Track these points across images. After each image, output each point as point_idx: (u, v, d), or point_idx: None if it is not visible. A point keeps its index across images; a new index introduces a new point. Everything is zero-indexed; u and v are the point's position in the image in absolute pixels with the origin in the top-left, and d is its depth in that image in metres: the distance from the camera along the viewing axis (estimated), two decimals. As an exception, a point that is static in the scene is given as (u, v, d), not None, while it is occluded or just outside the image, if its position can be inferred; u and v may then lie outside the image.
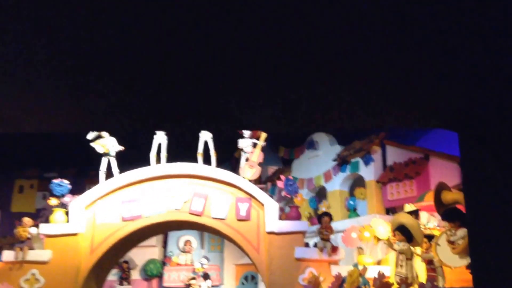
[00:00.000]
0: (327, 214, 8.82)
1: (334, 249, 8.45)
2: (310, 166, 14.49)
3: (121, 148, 9.39)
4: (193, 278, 15.68)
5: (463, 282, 5.20)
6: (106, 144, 9.37)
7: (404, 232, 6.29)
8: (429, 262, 6.52)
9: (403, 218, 6.46)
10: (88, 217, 9.03)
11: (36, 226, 8.85)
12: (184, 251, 16.77)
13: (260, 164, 9.56)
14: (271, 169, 16.56)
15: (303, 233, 8.74)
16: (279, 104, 2.64)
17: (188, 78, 2.39)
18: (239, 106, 2.69)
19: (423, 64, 2.27)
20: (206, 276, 15.10)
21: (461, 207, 5.30)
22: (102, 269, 9.23)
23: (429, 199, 9.27)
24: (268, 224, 8.73)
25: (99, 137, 9.44)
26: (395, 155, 12.14)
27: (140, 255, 16.31)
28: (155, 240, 16.75)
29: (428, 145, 11.96)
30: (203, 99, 2.59)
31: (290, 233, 8.66)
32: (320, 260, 8.44)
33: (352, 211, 12.36)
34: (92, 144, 9.47)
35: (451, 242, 5.26)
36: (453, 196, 5.23)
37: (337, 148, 13.85)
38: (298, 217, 8.94)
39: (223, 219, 9.02)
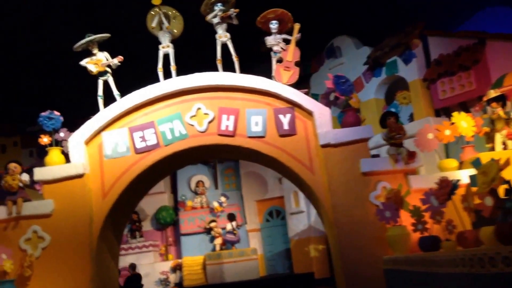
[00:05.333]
0: (391, 113, 6.98)
1: (411, 154, 6.66)
2: (333, 77, 12.50)
3: (119, 59, 7.20)
4: (213, 221, 14.06)
5: None
6: (101, 60, 7.23)
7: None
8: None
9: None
10: (92, 154, 7.07)
11: (27, 172, 6.86)
12: (197, 193, 15.09)
13: (297, 64, 7.56)
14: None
15: (367, 140, 6.93)
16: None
17: None
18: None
19: None
20: (231, 217, 13.44)
21: None
22: (119, 215, 7.36)
23: (510, 82, 7.50)
24: (321, 135, 6.89)
25: (89, 52, 7.28)
26: (440, 46, 10.17)
27: (148, 203, 14.61)
28: (163, 186, 15.05)
29: (480, 27, 10.00)
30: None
31: (351, 143, 6.84)
32: (394, 170, 6.68)
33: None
34: (82, 63, 7.35)
35: None
36: None
37: (366, 50, 11.84)
38: (357, 122, 7.09)
39: (262, 137, 7.14)
